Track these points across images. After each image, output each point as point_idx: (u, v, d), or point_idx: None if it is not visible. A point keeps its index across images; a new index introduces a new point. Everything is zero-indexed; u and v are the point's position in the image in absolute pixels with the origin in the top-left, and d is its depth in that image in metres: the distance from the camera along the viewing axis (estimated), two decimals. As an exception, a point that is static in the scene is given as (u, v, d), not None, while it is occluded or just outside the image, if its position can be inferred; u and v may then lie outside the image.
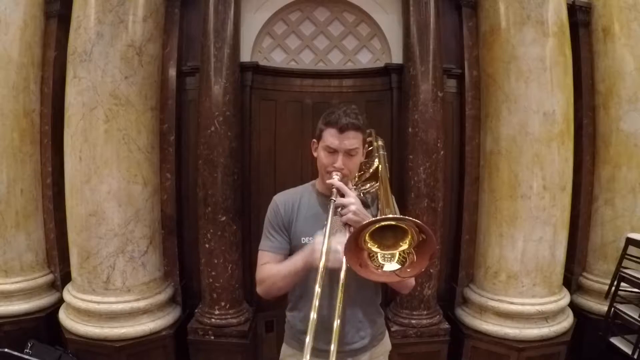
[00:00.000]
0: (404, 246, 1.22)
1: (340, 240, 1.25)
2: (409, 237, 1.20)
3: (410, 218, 1.18)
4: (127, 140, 2.53)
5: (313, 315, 1.16)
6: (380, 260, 1.24)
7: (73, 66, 2.54)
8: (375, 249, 1.22)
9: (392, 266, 1.23)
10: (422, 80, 2.68)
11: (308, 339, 1.12)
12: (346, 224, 1.31)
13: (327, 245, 1.25)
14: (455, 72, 3.00)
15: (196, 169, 2.74)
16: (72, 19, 2.58)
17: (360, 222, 1.26)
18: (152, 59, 2.64)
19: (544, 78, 2.61)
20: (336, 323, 1.19)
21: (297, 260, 1.36)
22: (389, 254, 1.23)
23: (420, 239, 1.19)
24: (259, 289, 1.47)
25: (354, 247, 1.20)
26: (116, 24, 2.49)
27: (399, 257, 1.23)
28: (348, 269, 1.25)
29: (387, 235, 1.22)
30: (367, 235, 1.20)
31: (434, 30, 2.70)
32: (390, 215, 1.22)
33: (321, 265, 1.22)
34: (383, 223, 1.18)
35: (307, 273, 1.36)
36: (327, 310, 1.35)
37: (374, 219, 1.20)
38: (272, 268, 1.45)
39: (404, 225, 1.19)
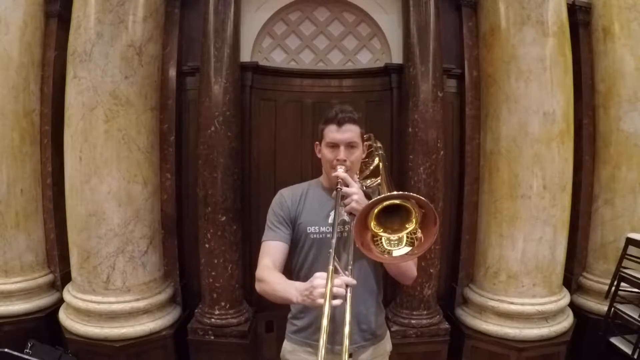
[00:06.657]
0: (411, 226, 1.25)
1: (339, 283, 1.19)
2: (414, 215, 1.24)
3: (409, 193, 1.22)
4: (127, 140, 2.53)
5: (326, 307, 1.11)
6: (386, 246, 1.27)
7: (73, 66, 2.54)
8: (381, 233, 1.26)
9: (401, 251, 1.26)
10: (422, 80, 2.68)
11: (325, 322, 1.08)
12: (350, 213, 1.38)
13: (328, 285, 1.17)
14: (455, 72, 3.00)
15: (196, 169, 2.74)
16: (72, 19, 2.58)
17: None
18: (152, 59, 2.64)
19: (544, 78, 2.61)
20: (347, 318, 1.18)
21: (291, 294, 1.28)
22: (397, 238, 1.26)
23: (422, 214, 1.23)
24: (257, 287, 1.45)
25: (363, 229, 1.23)
26: (116, 24, 2.49)
27: (406, 241, 1.27)
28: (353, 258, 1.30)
29: (394, 219, 1.26)
30: (373, 220, 1.23)
31: (434, 30, 2.70)
32: (392, 193, 1.25)
33: (329, 271, 1.17)
34: (385, 203, 1.21)
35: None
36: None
37: (375, 198, 1.24)
38: (270, 279, 1.39)
39: (407, 204, 1.23)
